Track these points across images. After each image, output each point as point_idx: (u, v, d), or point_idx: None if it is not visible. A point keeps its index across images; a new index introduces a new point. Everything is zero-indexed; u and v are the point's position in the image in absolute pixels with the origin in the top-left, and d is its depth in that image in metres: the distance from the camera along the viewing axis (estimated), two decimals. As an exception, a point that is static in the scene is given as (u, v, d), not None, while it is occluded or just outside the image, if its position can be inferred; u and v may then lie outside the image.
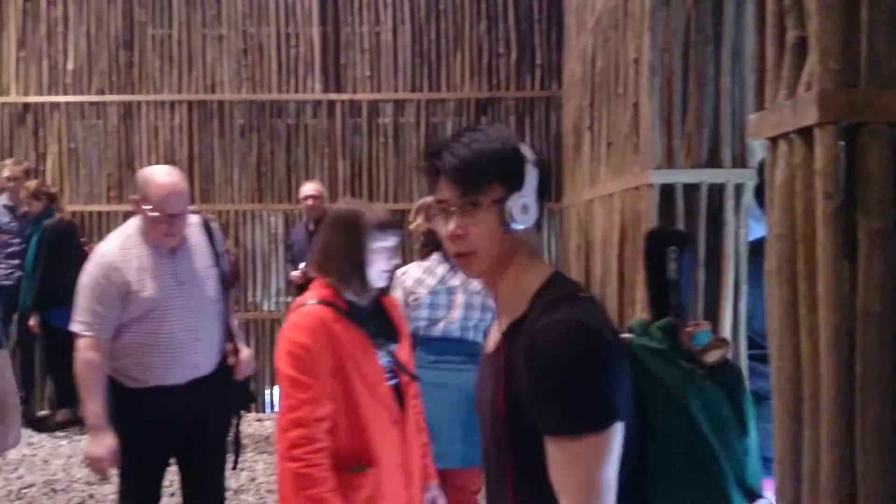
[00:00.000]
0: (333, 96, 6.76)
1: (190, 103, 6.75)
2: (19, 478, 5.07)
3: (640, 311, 2.77)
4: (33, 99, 6.76)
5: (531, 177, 1.39)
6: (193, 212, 3.11)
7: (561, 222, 6.55)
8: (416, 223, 3.58)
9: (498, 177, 1.37)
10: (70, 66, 6.76)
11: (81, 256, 6.25)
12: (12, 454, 5.52)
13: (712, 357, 1.41)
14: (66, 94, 6.76)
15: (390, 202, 6.66)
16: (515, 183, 1.37)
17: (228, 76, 6.77)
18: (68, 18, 6.75)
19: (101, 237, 6.72)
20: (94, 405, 2.84)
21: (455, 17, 6.73)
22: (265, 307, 6.87)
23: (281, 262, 6.82)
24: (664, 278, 1.49)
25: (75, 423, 6.21)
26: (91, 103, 6.76)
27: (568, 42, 6.18)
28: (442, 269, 3.33)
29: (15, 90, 6.79)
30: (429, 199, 4.68)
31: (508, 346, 1.38)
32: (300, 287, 5.75)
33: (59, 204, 6.18)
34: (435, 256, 3.37)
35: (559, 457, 1.27)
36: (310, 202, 5.81)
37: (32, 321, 5.90)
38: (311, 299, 2.32)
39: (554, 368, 1.27)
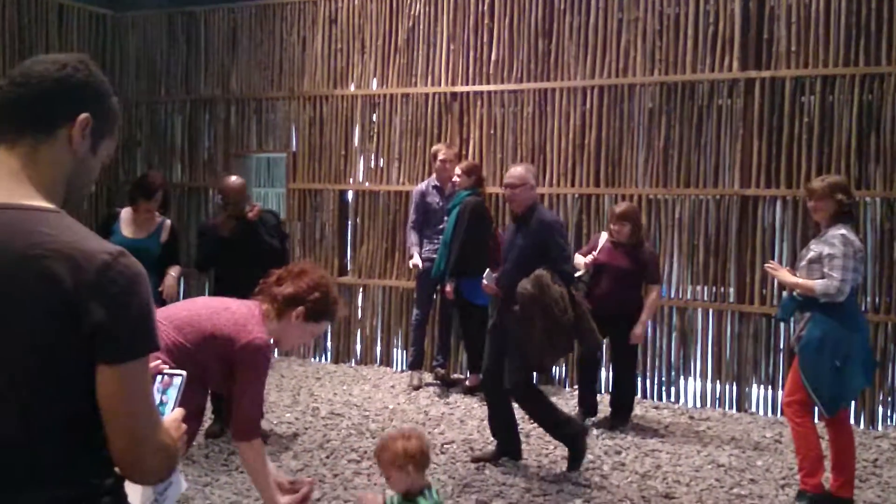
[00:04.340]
0: (753, 74, 6.33)
1: (601, 88, 6.81)
2: (441, 433, 5.54)
3: None
4: (460, 88, 7.34)
5: None
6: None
7: None
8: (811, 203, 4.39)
9: None
10: (493, 56, 7.22)
11: (488, 237, 6.68)
12: (433, 411, 6.10)
13: None
14: (488, 83, 7.24)
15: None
16: None
17: (640, 59, 6.69)
18: (494, 11, 7.20)
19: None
20: None
21: (905, -23, 5.90)
22: (663, 294, 6.70)
23: (682, 249, 6.61)
24: None
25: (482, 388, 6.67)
26: (510, 91, 7.15)
27: None
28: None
29: (444, 80, 7.44)
30: (834, 177, 4.62)
31: None
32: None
33: (483, 188, 6.65)
34: (848, 226, 4.29)
35: None
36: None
37: (448, 287, 6.43)
38: None
39: None
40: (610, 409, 5.89)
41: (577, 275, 5.77)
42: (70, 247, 1.34)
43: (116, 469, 1.43)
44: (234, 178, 5.60)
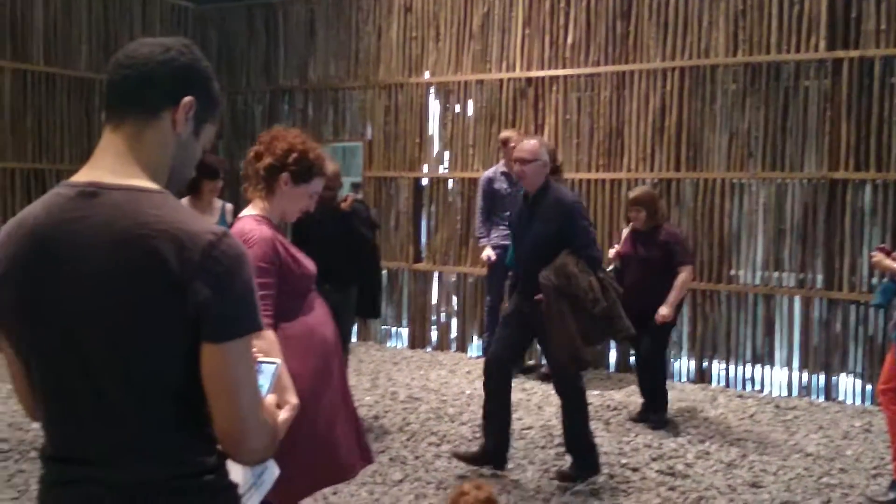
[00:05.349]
0: (840, 54, 6.11)
1: (682, 70, 6.67)
2: (519, 419, 5.53)
3: None
4: (535, 73, 7.29)
5: None
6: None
7: None
8: None
9: None
10: (569, 40, 7.14)
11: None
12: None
13: None
14: (564, 67, 7.16)
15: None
16: None
17: (724, 39, 6.53)
18: (571, -6, 7.13)
19: (588, 205, 7.05)
20: None
21: None
22: (748, 280, 6.55)
23: (768, 234, 6.45)
24: None
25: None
26: (587, 75, 7.07)
27: None
28: None
29: (519, 66, 7.39)
30: None
31: None
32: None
33: (560, 175, 6.55)
34: None
35: None
36: None
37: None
38: None
39: None
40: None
41: (608, 269, 5.60)
42: (175, 227, 1.35)
43: (219, 447, 1.45)
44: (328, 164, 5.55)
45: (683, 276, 5.32)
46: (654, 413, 5.43)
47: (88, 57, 7.95)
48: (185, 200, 5.21)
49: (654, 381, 5.46)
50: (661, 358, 5.55)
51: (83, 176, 1.43)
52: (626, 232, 5.58)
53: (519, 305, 4.45)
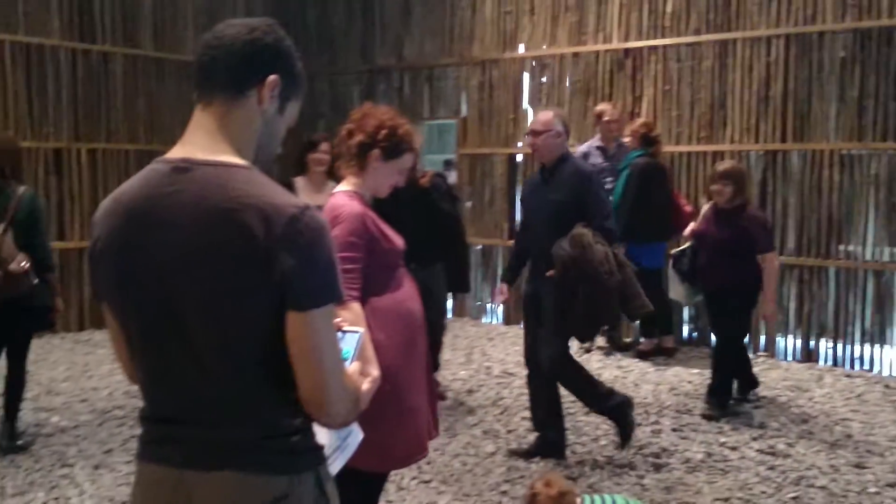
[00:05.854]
0: (963, 14, 5.73)
1: (787, 37, 6.39)
2: (614, 395, 5.48)
3: None
4: (633, 44, 7.12)
5: None
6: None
7: None
8: None
9: None
10: (669, 8, 6.94)
11: (666, 200, 6.44)
12: (606, 374, 6.04)
13: None
14: (664, 37, 6.97)
15: None
16: None
17: (831, 4, 6.21)
18: (673, -39, 6.91)
19: (688, 179, 6.87)
20: None
21: None
22: (858, 256, 6.26)
23: (879, 208, 6.13)
24: None
25: (658, 353, 6.52)
26: (687, 44, 6.86)
27: None
28: None
29: (617, 37, 7.24)
30: None
31: None
32: None
33: (658, 148, 6.40)
34: None
35: None
36: None
37: (618, 252, 6.25)
38: None
39: None
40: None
41: (680, 248, 5.35)
42: (262, 201, 1.40)
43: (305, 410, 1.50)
44: None
45: (774, 264, 4.96)
46: (709, 403, 5.04)
47: (194, 42, 8.24)
48: (299, 180, 5.30)
49: (724, 366, 5.07)
50: (736, 343, 5.11)
51: (176, 152, 1.50)
52: (706, 208, 5.22)
53: (534, 287, 4.33)
